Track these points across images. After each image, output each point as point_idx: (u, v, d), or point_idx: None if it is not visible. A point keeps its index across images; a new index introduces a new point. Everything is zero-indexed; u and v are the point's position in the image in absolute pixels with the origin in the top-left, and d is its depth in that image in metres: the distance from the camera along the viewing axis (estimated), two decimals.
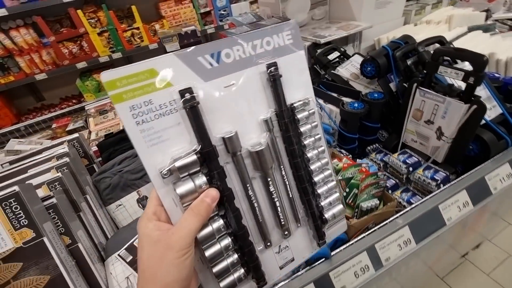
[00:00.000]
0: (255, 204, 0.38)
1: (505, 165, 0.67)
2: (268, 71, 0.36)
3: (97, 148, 0.89)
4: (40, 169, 0.69)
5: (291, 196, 0.41)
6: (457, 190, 0.63)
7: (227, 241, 0.35)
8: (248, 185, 0.37)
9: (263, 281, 0.39)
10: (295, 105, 0.38)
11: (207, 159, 0.33)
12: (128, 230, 0.72)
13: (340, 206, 0.44)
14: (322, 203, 0.42)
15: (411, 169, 0.71)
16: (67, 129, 1.32)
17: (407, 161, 0.73)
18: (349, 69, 1.02)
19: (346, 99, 0.91)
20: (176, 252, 0.30)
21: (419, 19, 1.35)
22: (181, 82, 0.32)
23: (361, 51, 1.32)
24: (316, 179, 0.42)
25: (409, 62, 0.85)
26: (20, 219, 0.50)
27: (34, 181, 0.62)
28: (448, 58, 0.78)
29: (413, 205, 0.61)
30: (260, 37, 0.36)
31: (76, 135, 0.85)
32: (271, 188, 0.39)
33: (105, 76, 0.29)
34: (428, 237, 0.58)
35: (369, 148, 0.89)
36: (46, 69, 2.38)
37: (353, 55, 1.06)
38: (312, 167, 0.41)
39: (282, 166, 0.40)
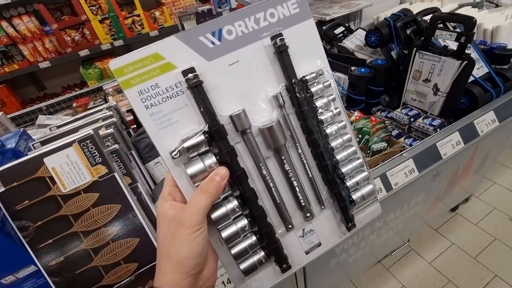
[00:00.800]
0: (271, 184, 0.36)
1: (490, 113, 0.80)
2: (273, 43, 0.34)
3: (131, 117, 0.98)
4: (91, 128, 0.78)
5: (311, 176, 0.38)
6: (451, 131, 0.75)
7: (243, 222, 0.34)
8: (261, 164, 0.36)
9: (286, 264, 0.38)
10: (307, 77, 0.36)
11: (215, 138, 0.33)
12: None
13: (370, 186, 0.40)
14: (348, 183, 0.39)
15: (412, 119, 0.84)
16: (88, 107, 1.40)
17: (409, 113, 0.85)
18: (354, 42, 1.13)
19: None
20: (187, 228, 0.30)
21: None
22: (185, 63, 0.32)
23: None
24: (338, 157, 0.38)
25: (408, 31, 0.97)
26: (95, 157, 0.60)
27: None
28: (442, 26, 0.90)
29: (416, 144, 0.73)
30: (262, 10, 0.34)
31: (113, 102, 0.93)
32: (287, 167, 0.37)
33: (113, 64, 0.30)
34: (428, 167, 0.71)
35: (374, 109, 1.01)
36: (49, 57, 2.41)
37: (356, 30, 1.17)
38: (333, 144, 0.38)
39: (298, 144, 0.37)
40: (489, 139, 0.82)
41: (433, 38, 0.84)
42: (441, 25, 0.88)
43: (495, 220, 1.41)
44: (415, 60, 0.88)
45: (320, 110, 0.37)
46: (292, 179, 0.37)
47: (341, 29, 1.21)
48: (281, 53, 0.34)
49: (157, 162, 0.91)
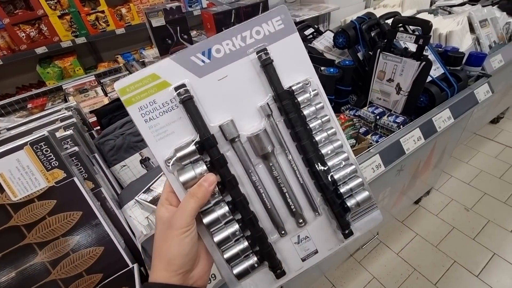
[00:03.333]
0: (261, 190, 0.38)
1: (446, 110, 0.87)
2: (258, 57, 0.36)
3: (94, 119, 0.92)
4: (48, 130, 0.72)
5: (302, 182, 0.39)
6: (412, 128, 0.80)
7: (235, 227, 0.36)
8: (250, 171, 0.38)
9: (281, 270, 0.38)
10: (293, 88, 0.38)
11: (206, 147, 0.35)
12: (138, 182, 0.78)
13: (365, 193, 0.39)
14: (342, 190, 0.39)
15: (378, 117, 0.88)
16: (45, 108, 1.29)
17: (375, 111, 0.89)
18: (323, 43, 1.16)
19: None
20: (175, 230, 0.33)
21: (378, 3, 1.55)
22: (178, 81, 0.35)
23: None
24: (330, 163, 0.39)
25: (372, 34, 1.01)
26: (51, 161, 0.55)
27: None
28: (402, 29, 0.95)
29: (381, 140, 0.76)
30: (248, 28, 0.37)
31: (73, 102, 0.87)
32: (275, 174, 0.38)
33: (118, 85, 0.35)
34: (393, 162, 0.74)
35: (343, 108, 1.05)
36: (0, 54, 2.19)
37: (325, 31, 1.21)
38: (323, 150, 0.39)
39: (287, 151, 0.39)
40: (446, 135, 0.89)
41: (394, 40, 0.89)
42: (401, 28, 0.93)
43: (452, 210, 1.53)
44: (379, 61, 0.93)
45: (308, 118, 0.38)
46: (282, 185, 0.39)
47: (310, 30, 1.24)
48: (266, 66, 0.37)
49: (124, 166, 0.86)
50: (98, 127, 0.94)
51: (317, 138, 0.39)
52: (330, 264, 1.21)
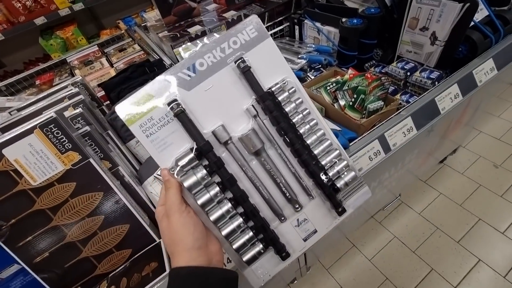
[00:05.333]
0: (257, 184, 0.42)
1: (489, 61, 0.76)
2: (237, 65, 0.40)
3: (103, 93, 0.88)
4: (56, 109, 0.69)
5: (293, 171, 0.43)
6: (449, 84, 0.71)
7: (239, 220, 0.40)
8: (245, 168, 0.42)
9: (285, 252, 0.43)
10: (272, 89, 0.41)
11: (203, 153, 0.39)
12: None
13: (352, 173, 0.44)
14: (330, 174, 0.43)
15: (408, 73, 0.78)
16: (54, 83, 1.26)
17: (405, 67, 0.79)
18: None
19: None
20: (172, 216, 0.38)
21: None
22: (169, 97, 0.39)
23: None
24: (316, 151, 0.43)
25: None
26: (64, 143, 0.53)
27: None
28: None
29: (414, 101, 0.69)
30: (226, 40, 0.40)
31: (78, 77, 0.82)
32: (268, 167, 0.42)
33: (119, 109, 0.39)
34: (426, 125, 0.67)
35: (366, 64, 0.95)
36: (0, 28, 2.12)
37: None
38: (308, 141, 0.42)
39: (276, 146, 0.43)
40: (485, 89, 0.79)
41: None
42: None
43: (480, 168, 1.46)
44: (412, 6, 0.80)
45: (290, 114, 0.42)
46: (275, 177, 0.43)
47: None
48: (245, 73, 0.40)
49: (139, 141, 0.84)
50: (108, 101, 0.90)
51: (301, 131, 0.42)
52: (351, 226, 1.22)
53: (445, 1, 0.72)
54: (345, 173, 0.43)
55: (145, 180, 0.71)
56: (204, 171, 0.39)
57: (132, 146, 0.84)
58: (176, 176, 0.39)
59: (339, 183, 0.43)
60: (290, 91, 0.42)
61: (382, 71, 0.86)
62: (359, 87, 0.72)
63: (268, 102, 0.41)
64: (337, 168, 0.43)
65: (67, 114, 0.66)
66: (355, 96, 0.73)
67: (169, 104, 0.38)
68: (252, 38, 0.41)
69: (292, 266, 1.07)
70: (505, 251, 1.18)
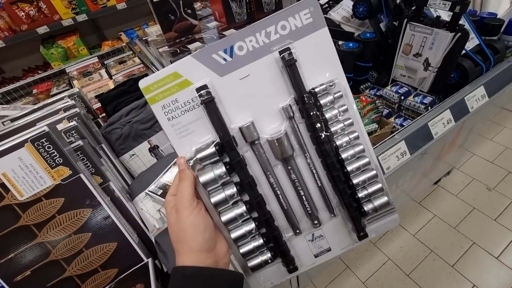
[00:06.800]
0: (278, 192, 0.39)
1: (480, 88, 0.78)
2: (281, 57, 0.34)
3: (99, 104, 0.88)
4: (51, 121, 0.69)
5: (320, 185, 0.39)
6: (442, 110, 0.72)
7: (251, 225, 0.37)
8: (268, 172, 0.38)
9: (292, 266, 0.40)
10: (316, 90, 0.36)
11: (226, 149, 0.36)
12: (149, 173, 0.75)
13: (384, 199, 0.39)
14: (360, 194, 0.39)
15: (402, 97, 0.80)
16: (51, 93, 1.26)
17: (399, 91, 0.81)
18: (340, 13, 1.05)
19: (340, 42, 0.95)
20: (182, 212, 0.35)
21: None
22: (199, 80, 0.35)
23: None
24: (349, 168, 0.38)
25: (398, 0, 0.90)
26: (54, 158, 0.52)
27: None
28: None
29: (407, 125, 0.70)
30: (273, 23, 0.34)
31: (76, 89, 0.83)
32: (293, 177, 0.38)
33: (142, 84, 0.35)
34: (419, 149, 0.68)
35: (362, 86, 0.96)
36: (2, 35, 2.13)
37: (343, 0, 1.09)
38: (344, 155, 0.37)
39: (307, 154, 0.38)
40: (477, 115, 0.80)
41: (425, 7, 0.78)
42: None
43: (473, 190, 1.47)
44: (405, 33, 0.82)
45: (330, 122, 0.37)
46: (299, 188, 0.39)
47: None
48: (289, 67, 0.35)
49: (133, 155, 0.83)
50: (104, 114, 0.90)
51: (338, 143, 0.37)
52: None
53: (437, 30, 0.74)
54: (377, 197, 0.39)
55: (137, 196, 0.70)
56: (224, 169, 0.35)
57: (125, 160, 0.83)
58: (192, 168, 0.36)
59: (367, 207, 0.39)
60: (335, 95, 0.37)
61: (377, 94, 0.87)
62: None
63: (308, 105, 0.36)
64: (369, 190, 0.38)
65: (61, 126, 0.66)
66: None
67: (198, 89, 0.34)
68: (305, 25, 0.34)
69: (284, 286, 1.05)
70: (499, 277, 1.17)
